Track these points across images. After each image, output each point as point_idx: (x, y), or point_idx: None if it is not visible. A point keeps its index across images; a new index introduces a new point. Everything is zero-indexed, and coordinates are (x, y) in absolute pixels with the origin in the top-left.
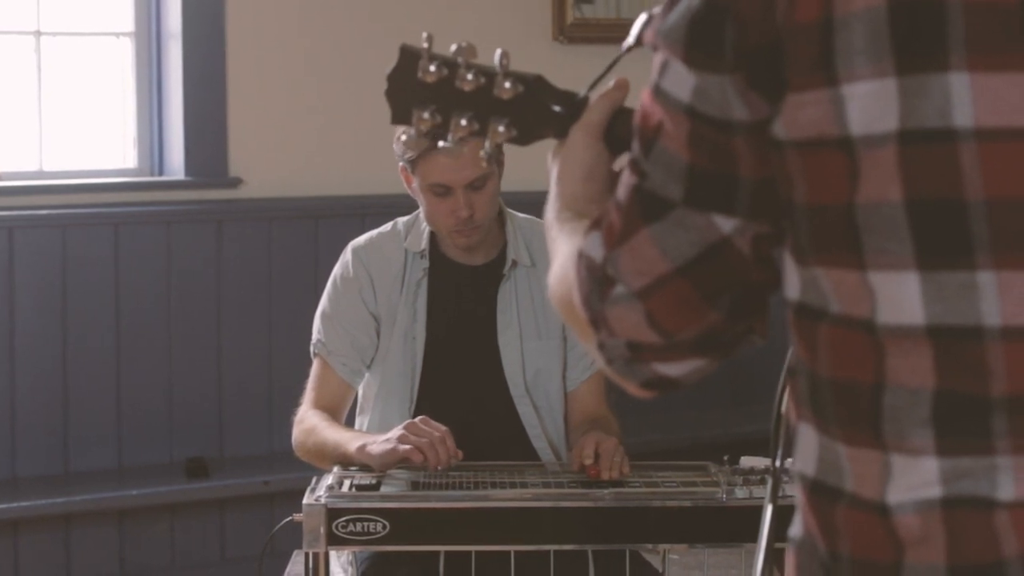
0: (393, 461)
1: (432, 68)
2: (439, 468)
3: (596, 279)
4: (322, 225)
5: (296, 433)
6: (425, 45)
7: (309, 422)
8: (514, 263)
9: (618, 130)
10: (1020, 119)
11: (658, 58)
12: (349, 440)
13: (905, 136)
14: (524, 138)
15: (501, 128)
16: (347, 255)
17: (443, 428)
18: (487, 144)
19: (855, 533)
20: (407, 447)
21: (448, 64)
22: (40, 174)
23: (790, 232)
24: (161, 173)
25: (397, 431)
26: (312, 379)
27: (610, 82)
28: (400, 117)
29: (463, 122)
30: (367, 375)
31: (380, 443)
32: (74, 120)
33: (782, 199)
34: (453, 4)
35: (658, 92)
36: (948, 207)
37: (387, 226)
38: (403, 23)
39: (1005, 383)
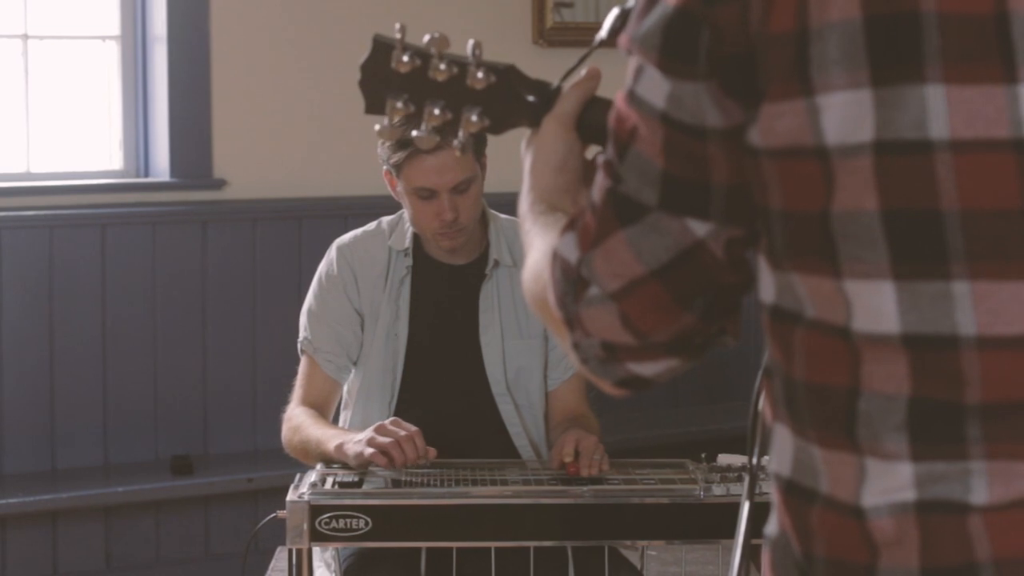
0: (363, 464)
1: (405, 58)
2: (406, 467)
3: (571, 280)
4: (305, 226)
5: (284, 430)
6: (398, 35)
7: (296, 419)
8: (496, 263)
9: (590, 119)
10: (995, 131)
11: (633, 63)
12: (330, 438)
13: (881, 147)
14: (497, 127)
15: (474, 117)
16: (332, 253)
17: (412, 428)
18: (460, 133)
19: (830, 535)
20: (371, 451)
21: (421, 54)
22: (27, 175)
23: (765, 236)
24: (147, 174)
25: (368, 432)
26: (300, 376)
27: (583, 72)
28: (373, 107)
29: (436, 111)
30: (352, 371)
31: (354, 443)
32: (61, 122)
33: (757, 205)
34: (433, 9)
35: (632, 97)
36: (924, 217)
37: (371, 225)
38: (385, 26)
39: (979, 391)
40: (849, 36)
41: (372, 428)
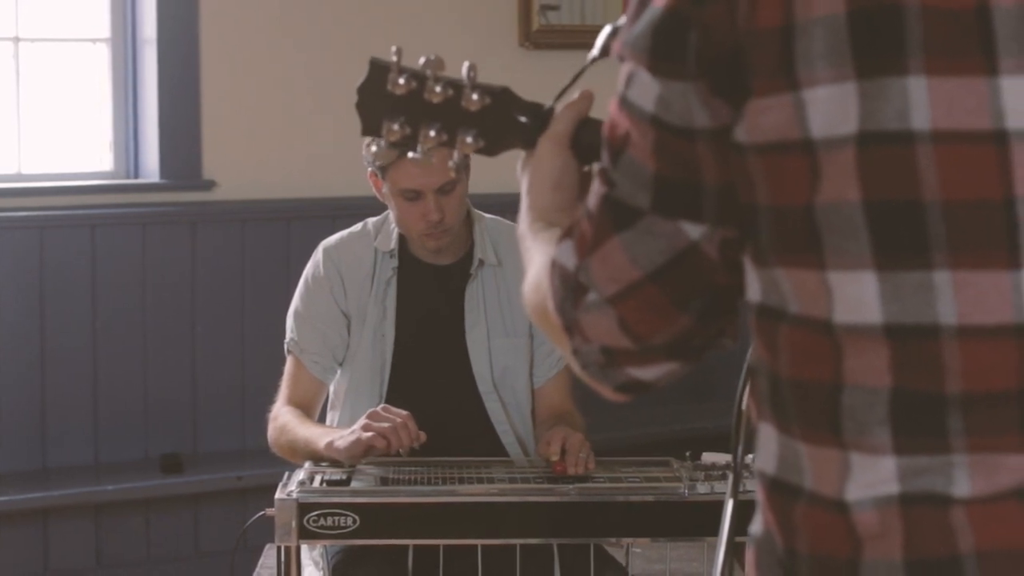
0: (360, 452)
1: (401, 81)
2: (401, 451)
3: (569, 287)
4: (294, 226)
5: (270, 430)
6: (394, 58)
7: (282, 419)
8: (481, 262)
9: (584, 139)
10: (976, 122)
11: (624, 68)
12: (318, 437)
13: (864, 138)
14: (492, 148)
15: (469, 139)
16: (318, 254)
17: (404, 413)
18: (455, 155)
19: (813, 530)
20: (370, 435)
21: (417, 77)
22: (19, 176)
23: (750, 235)
24: (136, 176)
25: (360, 422)
26: (286, 376)
27: (576, 93)
28: (370, 129)
29: (432, 133)
30: (338, 371)
31: (345, 437)
32: (52, 124)
33: (743, 202)
34: (421, 11)
35: (624, 103)
36: (905, 208)
37: (357, 226)
38: (372, 29)
39: (961, 381)
40: (833, 30)
41: (364, 416)
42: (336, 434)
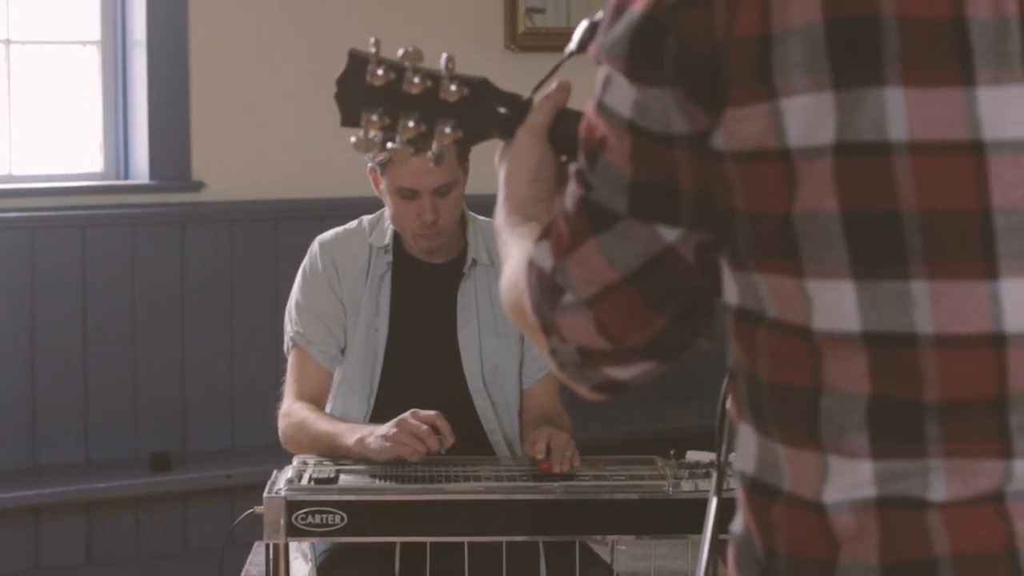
0: (389, 457)
1: (380, 72)
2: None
3: (546, 287)
4: (282, 227)
5: (284, 427)
6: (373, 50)
7: (298, 416)
8: (474, 262)
9: (562, 130)
10: (953, 133)
11: (601, 72)
12: (345, 432)
13: (841, 148)
14: (470, 139)
15: (447, 129)
16: (314, 248)
17: (432, 414)
18: (434, 145)
19: (792, 530)
20: (403, 449)
21: (395, 68)
22: (10, 178)
23: (728, 239)
24: (126, 177)
25: (391, 428)
26: (292, 372)
27: (553, 85)
28: (349, 119)
29: (410, 124)
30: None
31: (377, 438)
32: (43, 125)
33: (720, 208)
34: (407, 14)
35: (601, 107)
36: (883, 218)
37: (352, 223)
38: (359, 31)
39: (938, 389)
40: (811, 40)
41: (394, 424)
42: (366, 430)
